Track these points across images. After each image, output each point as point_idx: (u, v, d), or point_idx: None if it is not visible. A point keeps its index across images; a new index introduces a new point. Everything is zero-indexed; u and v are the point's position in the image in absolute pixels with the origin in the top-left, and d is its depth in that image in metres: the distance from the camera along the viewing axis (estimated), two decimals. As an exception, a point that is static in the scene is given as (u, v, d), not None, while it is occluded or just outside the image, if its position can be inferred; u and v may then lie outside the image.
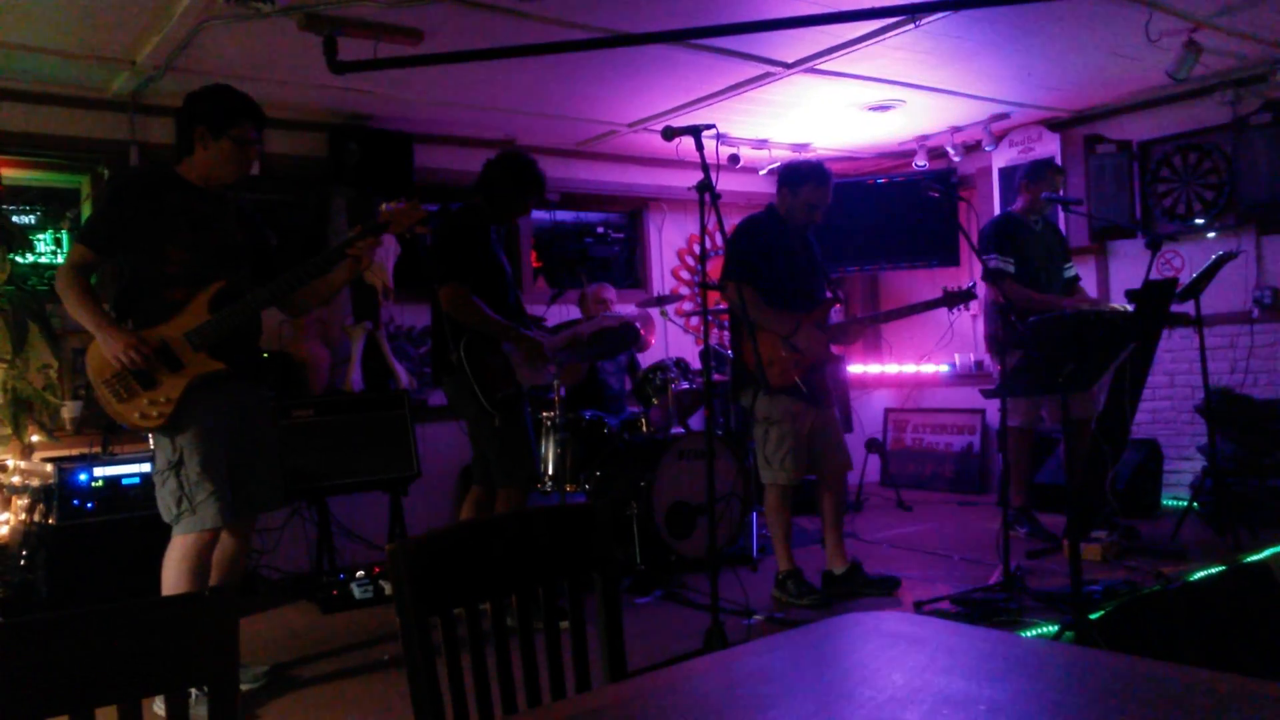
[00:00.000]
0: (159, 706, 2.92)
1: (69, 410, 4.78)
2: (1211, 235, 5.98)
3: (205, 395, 3.23)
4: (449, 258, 4.05)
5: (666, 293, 6.96)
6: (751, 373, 4.21)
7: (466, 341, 3.98)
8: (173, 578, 3.20)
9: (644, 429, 5.39)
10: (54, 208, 5.11)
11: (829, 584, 4.36)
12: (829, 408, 4.43)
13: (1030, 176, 5.23)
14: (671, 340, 7.12)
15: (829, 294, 4.49)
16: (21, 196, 5.01)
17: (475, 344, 4.00)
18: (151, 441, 3.35)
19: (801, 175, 4.32)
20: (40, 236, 5.01)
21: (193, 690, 1.25)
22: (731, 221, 7.76)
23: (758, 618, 4.02)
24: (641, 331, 5.61)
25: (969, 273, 6.98)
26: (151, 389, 3.15)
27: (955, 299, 4.35)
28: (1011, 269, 5.02)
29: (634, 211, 7.37)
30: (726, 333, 7.50)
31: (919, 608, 4.03)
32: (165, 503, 3.24)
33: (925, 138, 6.89)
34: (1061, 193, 5.34)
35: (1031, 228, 5.19)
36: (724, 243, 4.14)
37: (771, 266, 4.28)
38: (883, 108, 6.02)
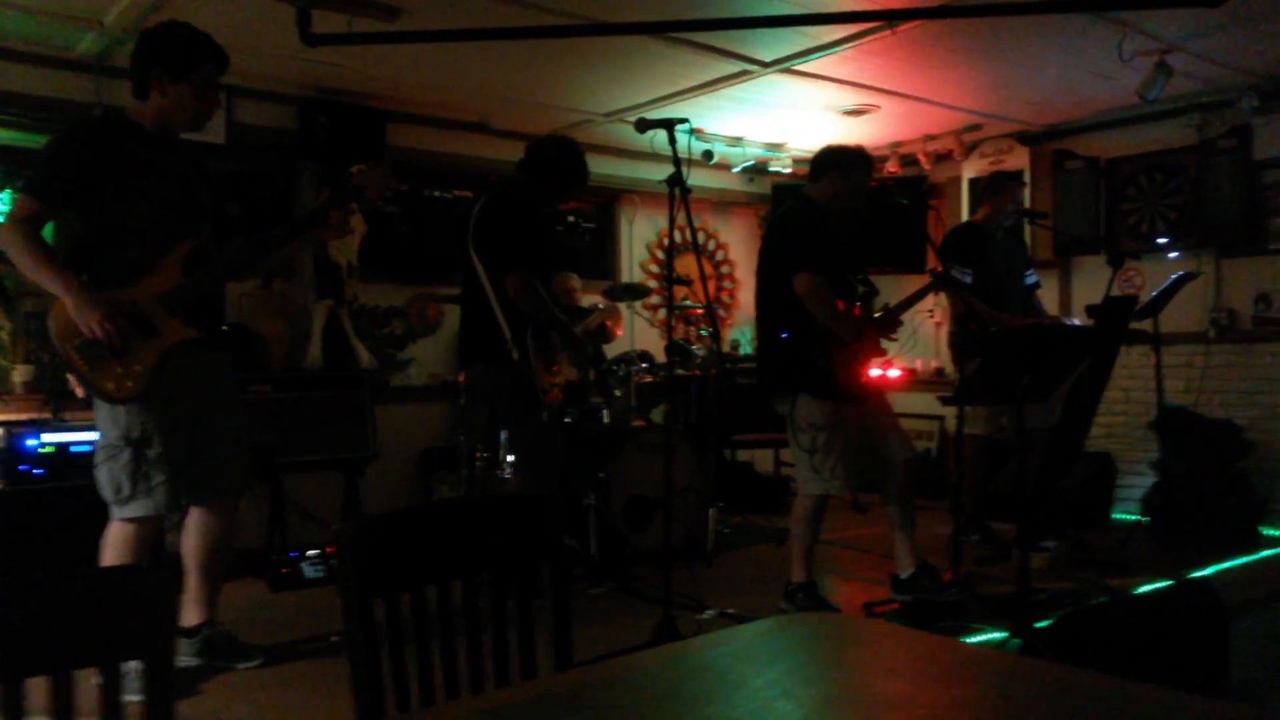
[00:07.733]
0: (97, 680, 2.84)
1: (19, 374, 4.68)
2: (1173, 255, 6.07)
3: (177, 366, 3.02)
4: (520, 241, 3.87)
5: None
6: (796, 376, 3.93)
7: (532, 331, 3.90)
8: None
9: (605, 420, 5.38)
10: (13, 167, 4.99)
11: (897, 588, 4.14)
12: (876, 397, 4.17)
13: (992, 188, 5.28)
14: (638, 334, 7.11)
15: (864, 287, 4.17)
16: (-21, 154, 4.90)
17: (536, 335, 3.91)
18: (98, 410, 3.04)
19: (855, 159, 4.05)
20: (-2, 195, 4.90)
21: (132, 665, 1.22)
22: (704, 218, 7.78)
23: (709, 613, 4.03)
24: (608, 324, 5.60)
25: (933, 281, 7.02)
26: (123, 356, 2.91)
27: (943, 282, 4.38)
28: (969, 279, 5.03)
29: (606, 203, 7.35)
30: (691, 328, 7.51)
31: (868, 610, 4.06)
32: (115, 479, 2.99)
33: (898, 145, 6.93)
34: (1027, 205, 5.39)
35: (993, 237, 5.23)
36: (770, 235, 3.92)
37: (827, 260, 3.93)
38: (857, 112, 6.05)
